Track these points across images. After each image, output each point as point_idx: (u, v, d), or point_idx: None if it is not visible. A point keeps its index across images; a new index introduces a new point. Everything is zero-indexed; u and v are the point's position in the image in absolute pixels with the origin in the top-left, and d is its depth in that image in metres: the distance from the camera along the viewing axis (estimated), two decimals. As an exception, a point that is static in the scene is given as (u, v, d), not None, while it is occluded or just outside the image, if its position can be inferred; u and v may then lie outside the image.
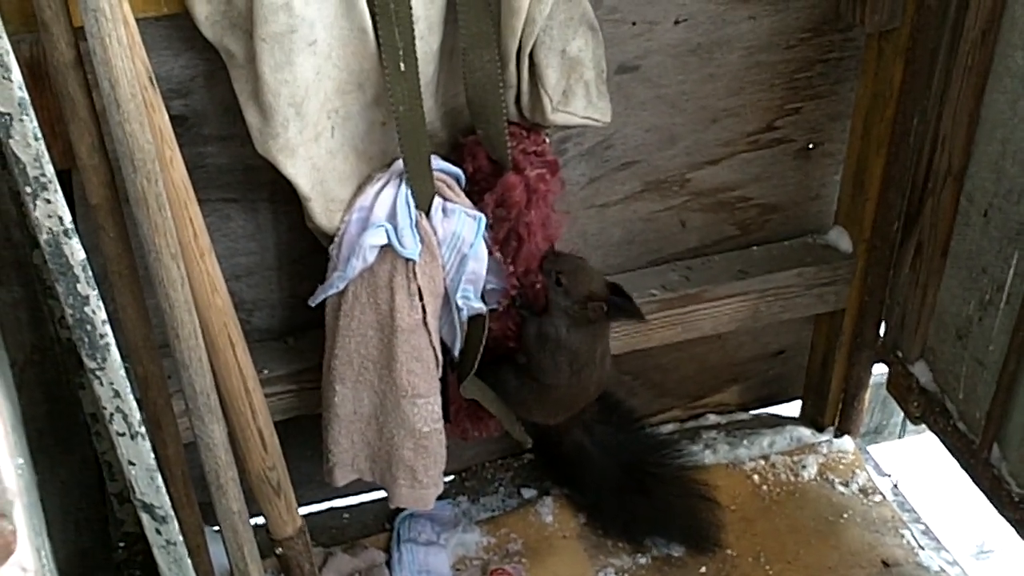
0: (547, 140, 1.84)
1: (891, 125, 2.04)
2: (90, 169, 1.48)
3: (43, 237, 1.34)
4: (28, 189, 1.30)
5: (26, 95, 1.27)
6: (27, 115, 1.27)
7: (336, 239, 1.73)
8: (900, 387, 2.23)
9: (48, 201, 1.31)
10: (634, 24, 1.89)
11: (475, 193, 1.80)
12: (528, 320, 1.91)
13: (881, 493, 2.33)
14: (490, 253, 1.79)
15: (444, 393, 1.89)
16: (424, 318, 1.75)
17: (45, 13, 1.38)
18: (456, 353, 1.88)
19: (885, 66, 2.00)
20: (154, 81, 1.43)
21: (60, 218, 1.33)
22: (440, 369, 1.84)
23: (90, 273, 1.37)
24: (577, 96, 1.77)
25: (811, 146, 2.15)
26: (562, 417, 2.08)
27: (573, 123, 1.79)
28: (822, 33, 2.02)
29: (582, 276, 1.87)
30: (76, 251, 1.35)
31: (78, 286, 1.36)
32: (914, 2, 1.91)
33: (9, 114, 1.26)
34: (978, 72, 1.87)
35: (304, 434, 1.98)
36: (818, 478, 2.36)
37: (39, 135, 1.28)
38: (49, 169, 1.30)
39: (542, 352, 1.91)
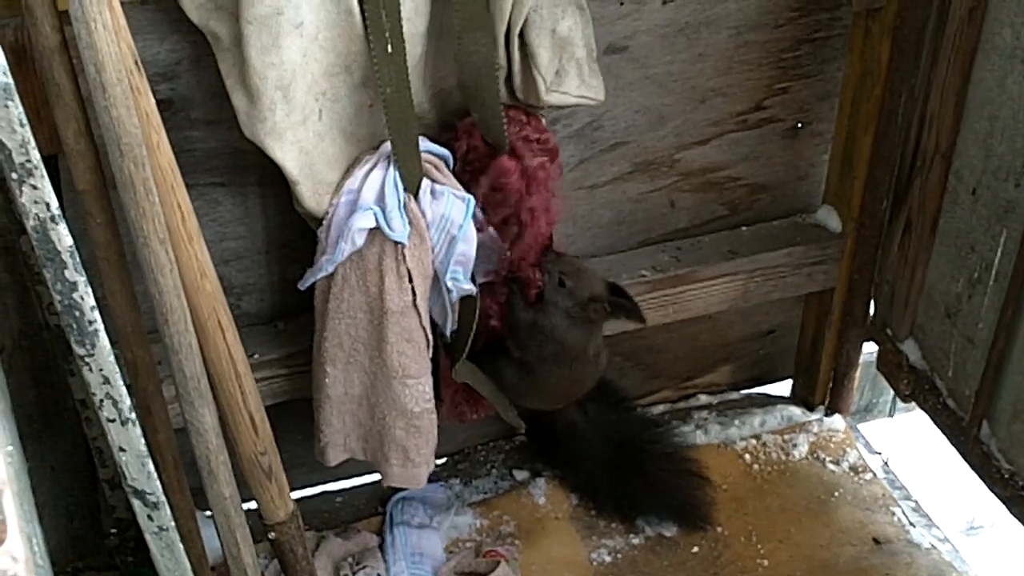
0: (547, 125, 1.84)
1: (879, 104, 2.04)
2: (76, 154, 1.47)
3: (30, 223, 1.33)
4: (14, 175, 1.30)
5: (11, 80, 1.26)
6: (12, 100, 1.26)
7: (325, 222, 1.73)
8: (890, 365, 2.23)
9: (35, 187, 1.31)
10: (622, 4, 1.88)
11: (468, 174, 1.79)
12: (520, 308, 1.90)
13: (872, 471, 2.34)
14: (480, 231, 1.79)
15: (436, 373, 1.89)
16: (414, 300, 1.75)
17: (29, -3, 1.38)
18: (447, 333, 1.88)
19: (872, 45, 2.00)
20: (140, 65, 1.42)
21: (47, 204, 1.32)
22: (431, 350, 1.84)
23: (78, 259, 1.36)
24: (570, 75, 1.76)
25: (799, 125, 2.15)
26: (559, 404, 2.09)
27: (568, 103, 1.79)
28: (809, 12, 2.01)
29: (585, 278, 1.88)
30: (63, 237, 1.34)
31: (66, 272, 1.36)
32: (901, -20, 1.92)
33: (-6, 100, 1.26)
34: (966, 50, 1.86)
35: (295, 418, 1.97)
36: (809, 457, 2.37)
37: (24, 121, 1.27)
38: (35, 155, 1.29)
39: (531, 341, 1.91)
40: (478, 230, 1.79)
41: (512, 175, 1.77)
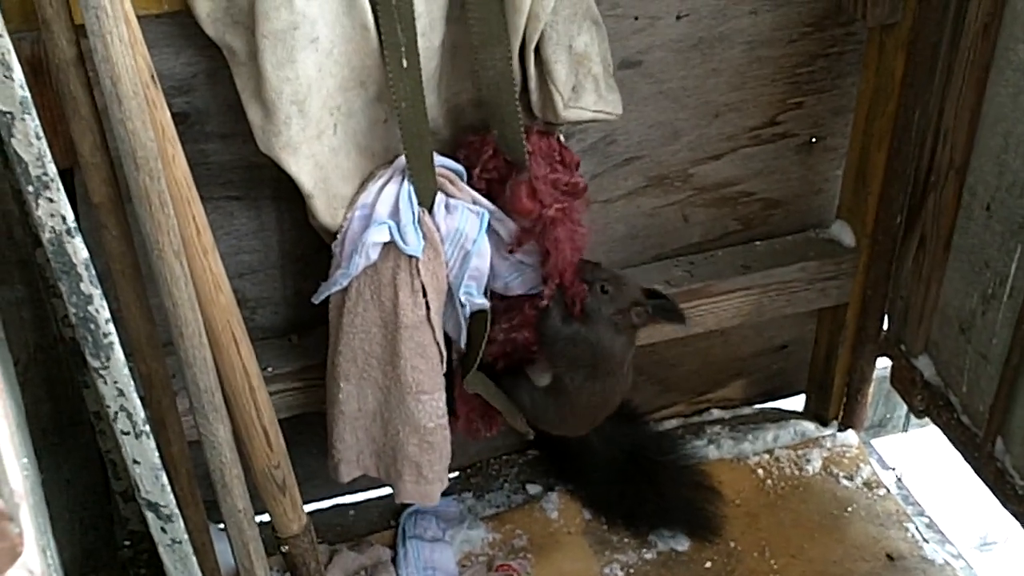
0: (578, 165, 1.83)
1: (893, 119, 2.04)
2: (92, 167, 1.48)
3: (46, 236, 1.34)
4: (30, 188, 1.30)
5: (28, 93, 1.27)
6: (29, 114, 1.27)
7: (339, 236, 1.73)
8: (904, 381, 2.23)
9: (50, 200, 1.31)
10: (636, 19, 1.89)
11: (486, 188, 1.80)
12: (559, 321, 1.89)
13: (885, 487, 2.33)
14: (512, 251, 1.80)
15: (449, 389, 1.89)
16: (428, 315, 1.75)
17: (46, 11, 1.38)
18: (461, 347, 1.88)
19: (887, 60, 1.99)
20: (155, 78, 1.43)
21: (62, 217, 1.32)
22: (444, 365, 1.84)
23: (93, 272, 1.37)
24: (587, 91, 1.76)
25: (813, 140, 2.15)
26: (583, 430, 2.08)
27: (585, 118, 1.78)
28: (824, 27, 2.01)
29: (624, 284, 1.89)
30: (79, 250, 1.35)
31: (81, 285, 1.36)
32: (915, -4, 1.92)
33: (11, 113, 1.26)
34: (980, 65, 1.86)
35: (309, 431, 1.98)
36: (822, 472, 2.36)
37: (41, 134, 1.28)
38: (51, 168, 1.30)
39: (570, 353, 1.90)
40: (510, 251, 1.80)
41: (532, 215, 1.77)
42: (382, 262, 1.71)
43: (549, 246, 1.80)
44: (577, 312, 1.88)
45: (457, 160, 1.79)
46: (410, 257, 1.70)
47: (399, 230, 1.68)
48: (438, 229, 1.71)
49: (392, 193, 1.69)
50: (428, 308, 1.75)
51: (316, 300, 1.78)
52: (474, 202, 1.76)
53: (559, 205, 1.77)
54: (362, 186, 1.73)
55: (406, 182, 1.68)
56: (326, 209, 1.70)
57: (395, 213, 1.69)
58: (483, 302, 1.81)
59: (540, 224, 1.77)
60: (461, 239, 1.73)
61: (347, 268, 1.71)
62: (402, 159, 1.68)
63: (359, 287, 1.74)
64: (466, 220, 1.72)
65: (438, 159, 1.73)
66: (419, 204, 1.69)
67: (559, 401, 1.96)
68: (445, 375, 1.85)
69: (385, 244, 1.69)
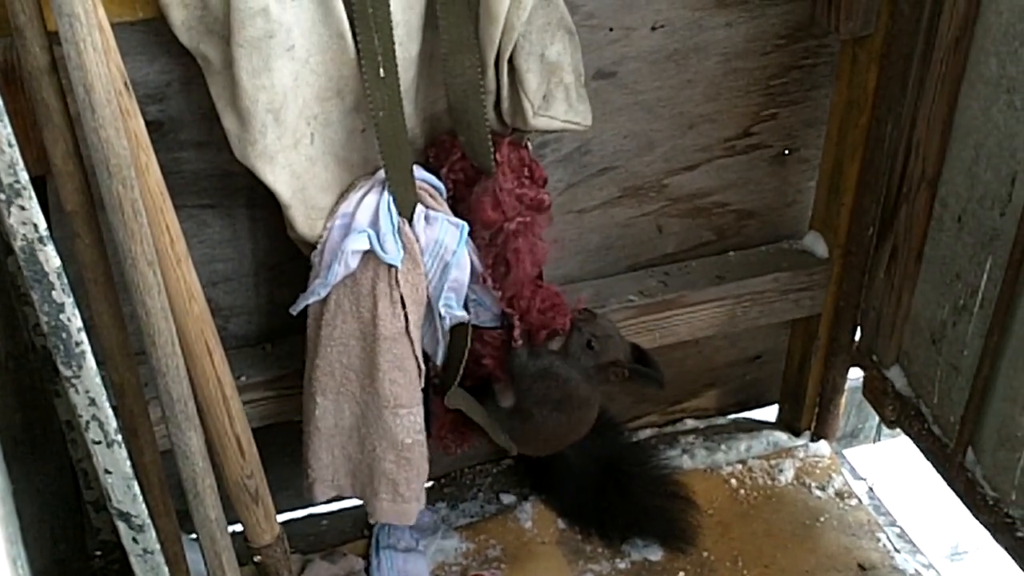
0: (545, 182, 1.83)
1: (866, 131, 2.05)
2: (65, 175, 1.47)
3: (17, 244, 1.33)
4: (2, 196, 1.29)
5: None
6: (0, 121, 1.26)
7: (319, 246, 1.72)
8: (875, 391, 2.24)
9: (22, 208, 1.30)
10: (611, 30, 1.89)
11: (453, 190, 1.80)
12: (526, 355, 1.89)
13: (857, 497, 2.34)
14: (483, 280, 1.80)
15: (426, 405, 1.88)
16: (407, 326, 1.74)
17: (19, 17, 1.37)
18: (438, 363, 1.88)
19: (859, 72, 2.01)
20: (129, 86, 1.42)
21: (35, 225, 1.31)
22: (423, 380, 1.83)
23: (65, 280, 1.36)
24: (557, 100, 1.77)
25: (787, 152, 2.16)
26: (547, 452, 2.09)
27: (554, 127, 1.79)
28: (797, 39, 2.02)
29: (613, 344, 1.90)
30: (51, 258, 1.34)
31: (53, 293, 1.36)
32: (888, 9, 1.93)
33: (-17, 120, 1.26)
34: (952, 78, 1.88)
35: (282, 441, 1.97)
36: (795, 482, 2.37)
37: (13, 141, 1.27)
38: (23, 175, 1.29)
39: (537, 386, 1.90)
40: (482, 280, 1.80)
41: (495, 226, 1.77)
42: (361, 272, 1.70)
43: (510, 257, 1.80)
44: (541, 342, 1.88)
45: (427, 158, 1.79)
46: (389, 267, 1.70)
47: (379, 239, 1.67)
48: (418, 240, 1.71)
49: (372, 203, 1.69)
50: (407, 320, 1.74)
51: (294, 311, 1.77)
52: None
53: (521, 219, 1.78)
54: (342, 196, 1.72)
55: (386, 192, 1.68)
56: (304, 220, 1.70)
57: (375, 222, 1.68)
58: (463, 314, 1.81)
59: (502, 236, 1.78)
60: (441, 250, 1.72)
61: (326, 277, 1.70)
62: (382, 171, 1.68)
63: (338, 298, 1.73)
64: (446, 231, 1.72)
65: (418, 173, 1.72)
66: (398, 214, 1.69)
67: (525, 427, 1.97)
68: (423, 391, 1.85)
69: (364, 254, 1.69)
